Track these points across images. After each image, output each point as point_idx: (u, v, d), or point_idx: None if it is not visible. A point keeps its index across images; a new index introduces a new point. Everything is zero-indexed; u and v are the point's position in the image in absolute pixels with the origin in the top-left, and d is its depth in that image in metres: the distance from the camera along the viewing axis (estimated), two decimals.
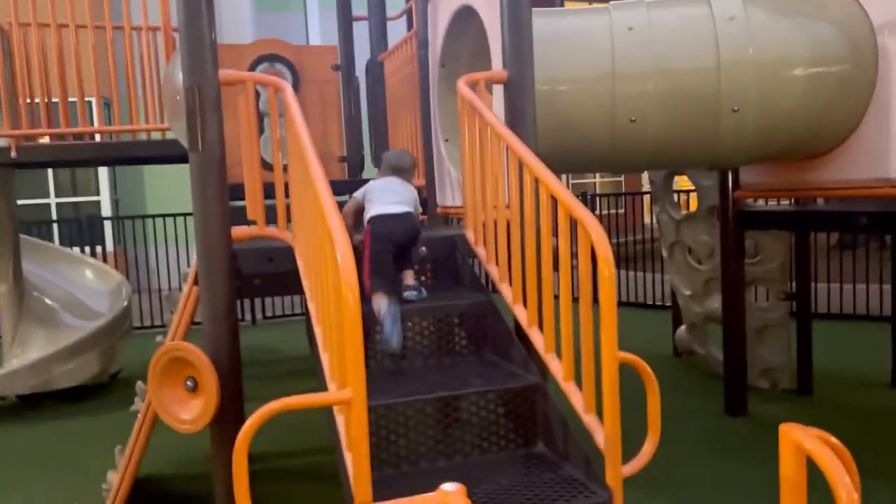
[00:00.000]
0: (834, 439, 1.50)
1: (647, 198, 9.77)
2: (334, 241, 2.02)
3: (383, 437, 2.43)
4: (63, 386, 5.74)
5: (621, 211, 10.76)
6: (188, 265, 5.19)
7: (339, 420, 2.19)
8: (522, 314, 2.69)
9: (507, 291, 2.85)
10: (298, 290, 3.01)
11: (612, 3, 3.88)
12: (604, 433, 2.17)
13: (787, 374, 5.23)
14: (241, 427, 1.91)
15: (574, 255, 2.42)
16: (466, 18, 4.08)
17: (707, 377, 5.67)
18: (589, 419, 2.27)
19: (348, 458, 2.06)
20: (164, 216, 8.94)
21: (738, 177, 4.57)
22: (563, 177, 24.25)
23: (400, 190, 3.17)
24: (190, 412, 2.86)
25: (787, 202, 5.70)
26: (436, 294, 3.15)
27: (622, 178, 24.09)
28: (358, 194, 3.25)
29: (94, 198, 12.82)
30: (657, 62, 3.66)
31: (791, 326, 5.20)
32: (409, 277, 3.08)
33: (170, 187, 11.30)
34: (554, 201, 2.44)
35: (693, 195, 6.33)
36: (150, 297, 9.13)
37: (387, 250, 2.88)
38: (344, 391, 1.93)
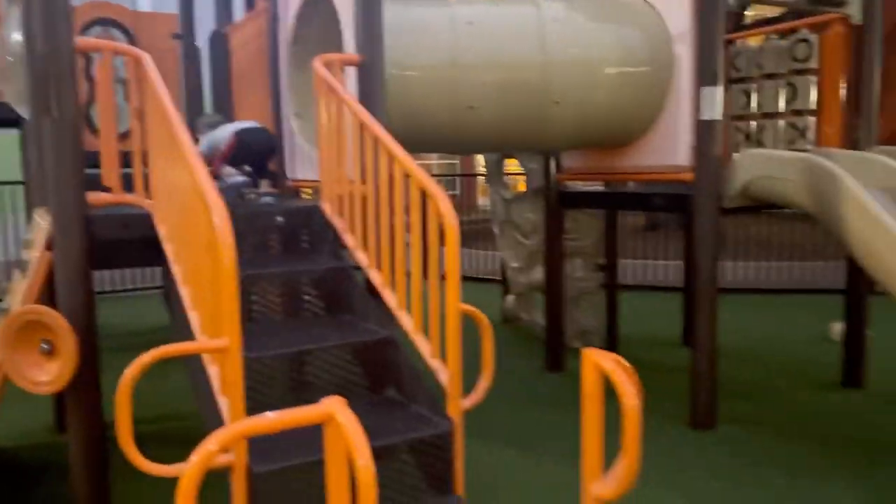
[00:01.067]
0: (624, 361, 1.96)
1: (480, 180, 10.42)
2: (209, 204, 2.21)
3: (250, 387, 2.65)
4: None
5: (457, 192, 11.34)
6: (11, 236, 4.93)
7: (213, 370, 2.39)
8: (377, 277, 3.01)
9: (362, 257, 3.15)
10: (154, 261, 3.12)
11: None
12: (447, 373, 2.55)
13: (598, 336, 5.96)
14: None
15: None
16: (317, 2, 4.28)
17: (531, 340, 6.31)
18: (434, 363, 2.64)
19: (223, 402, 2.27)
20: None
21: (560, 162, 5.15)
22: None
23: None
24: (47, 374, 2.90)
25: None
26: (294, 261, 3.38)
27: (458, 160, 25.03)
28: (202, 148, 4.02)
29: None
30: (493, 55, 4.09)
31: (603, 295, 5.94)
32: (265, 186, 4.05)
33: None
34: (407, 177, 2.77)
35: (522, 177, 6.94)
36: None
37: (247, 154, 3.97)
38: (221, 339, 2.15)
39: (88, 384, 3.05)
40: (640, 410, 1.85)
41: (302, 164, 4.50)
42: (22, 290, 3.15)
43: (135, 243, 3.33)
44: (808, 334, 6.32)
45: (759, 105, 5.06)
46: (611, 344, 5.93)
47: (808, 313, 7.08)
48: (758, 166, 3.94)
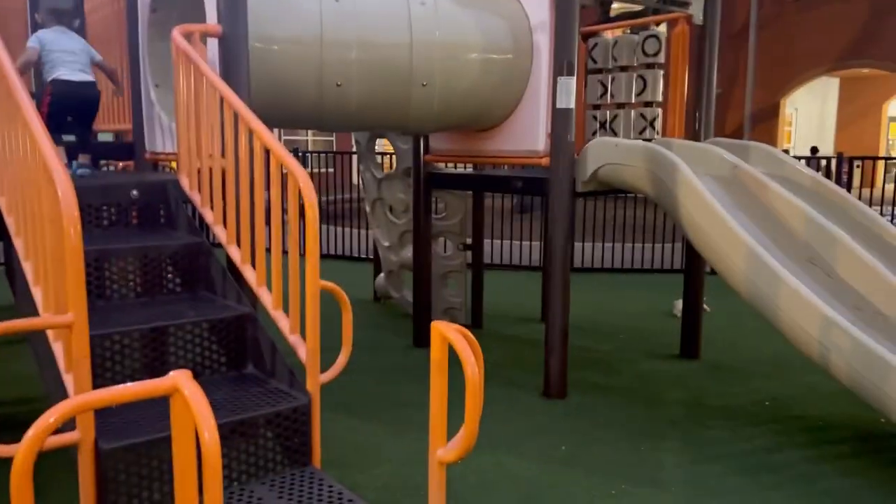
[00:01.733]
0: (467, 332, 2.09)
1: (356, 158, 10.40)
2: (53, 177, 2.13)
3: (99, 364, 2.58)
4: None
5: (332, 170, 11.23)
6: None
7: (57, 347, 2.32)
8: (236, 253, 3.00)
9: (221, 233, 3.12)
10: None
11: None
12: (306, 349, 2.60)
13: (463, 313, 6.17)
14: None
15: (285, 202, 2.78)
16: None
17: (401, 317, 6.43)
18: (294, 339, 2.68)
19: (69, 380, 2.22)
20: None
21: (428, 143, 5.27)
22: (276, 132, 24.10)
23: (75, 49, 3.85)
24: None
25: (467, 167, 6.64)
26: (149, 236, 3.29)
27: (333, 137, 24.69)
28: (32, 45, 3.89)
29: None
30: (360, 34, 4.12)
31: (469, 274, 6.15)
32: (83, 159, 3.99)
33: None
34: (267, 153, 2.77)
35: (393, 157, 7.02)
36: None
37: (65, 112, 3.78)
38: (65, 315, 2.09)
39: None
40: (481, 379, 1.99)
41: (162, 135, 4.35)
42: None
43: None
44: (654, 310, 6.84)
45: (613, 95, 5.39)
46: (476, 320, 6.16)
47: (656, 292, 7.65)
48: (606, 153, 4.22)
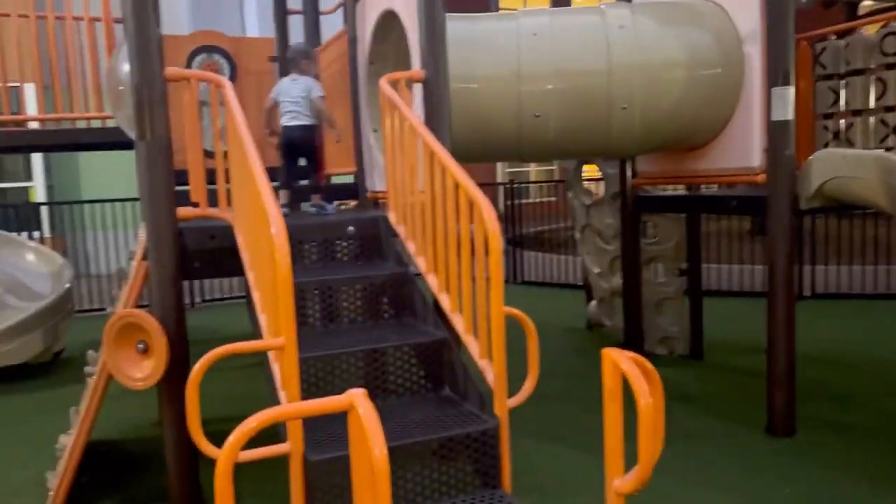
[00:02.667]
0: (643, 359, 2.02)
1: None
2: (269, 218, 2.44)
3: (313, 383, 2.87)
4: (8, 363, 5.96)
5: (553, 199, 11.33)
6: (124, 250, 5.39)
7: (275, 368, 2.62)
8: (434, 281, 3.17)
9: (422, 263, 3.32)
10: (236, 270, 3.42)
11: (518, 10, 4.37)
12: (493, 373, 2.67)
13: (681, 342, 5.87)
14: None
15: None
16: (391, 21, 4.51)
17: (614, 345, 6.27)
18: (482, 363, 2.76)
19: (283, 396, 2.50)
20: (100, 201, 9.07)
21: (635, 166, 5.14)
22: (499, 165, 24.88)
23: (297, 95, 4.40)
24: (142, 371, 3.24)
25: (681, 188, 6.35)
26: (364, 266, 3.60)
27: (556, 167, 24.89)
28: (271, 95, 4.51)
29: (26, 184, 12.72)
30: (557, 64, 4.18)
31: (686, 300, 5.85)
32: (315, 199, 4.55)
33: (105, 174, 11.37)
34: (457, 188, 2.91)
35: (601, 182, 6.93)
36: (88, 282, 9.27)
37: (292, 155, 4.43)
38: (278, 339, 2.37)
39: (180, 381, 3.37)
40: (658, 409, 1.91)
41: (380, 176, 4.74)
42: (122, 296, 3.53)
43: (220, 252, 3.65)
44: None
45: (847, 102, 4.87)
46: (694, 350, 5.82)
47: None
48: (833, 166, 3.82)
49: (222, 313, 9.00)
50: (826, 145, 5.00)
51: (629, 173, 5.24)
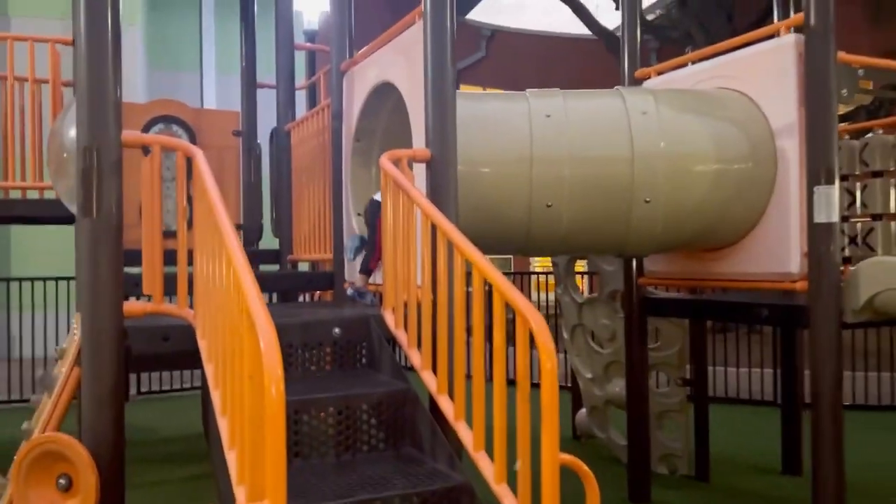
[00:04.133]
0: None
1: (535, 278, 10.01)
2: (255, 323, 1.80)
3: None
4: None
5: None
6: (57, 333, 4.60)
7: None
8: (448, 406, 2.53)
9: (430, 380, 2.68)
10: (190, 364, 2.74)
11: (529, 90, 3.94)
12: None
13: (685, 460, 5.28)
14: None
15: (511, 343, 2.30)
16: (383, 95, 4.03)
17: (608, 461, 5.63)
18: None
19: None
20: (31, 280, 8.15)
21: (642, 264, 4.67)
22: None
23: None
24: None
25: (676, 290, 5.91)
26: (349, 381, 2.94)
27: (510, 258, 24.66)
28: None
29: None
30: (573, 149, 3.72)
31: (688, 412, 5.29)
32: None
33: (40, 250, 10.42)
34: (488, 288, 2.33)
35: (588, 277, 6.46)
36: (9, 368, 8.22)
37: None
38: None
39: None
40: None
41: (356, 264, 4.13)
42: (45, 411, 2.77)
43: (174, 356, 2.96)
44: None
45: (865, 205, 4.53)
46: (699, 470, 5.22)
47: None
48: (885, 277, 3.39)
49: (160, 407, 8.04)
50: (843, 250, 4.62)
51: (634, 271, 4.74)
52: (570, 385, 6.62)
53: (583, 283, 8.26)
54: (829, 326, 3.51)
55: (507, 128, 3.78)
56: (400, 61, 3.65)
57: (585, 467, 2.09)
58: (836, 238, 3.54)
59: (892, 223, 4.41)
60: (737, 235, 3.98)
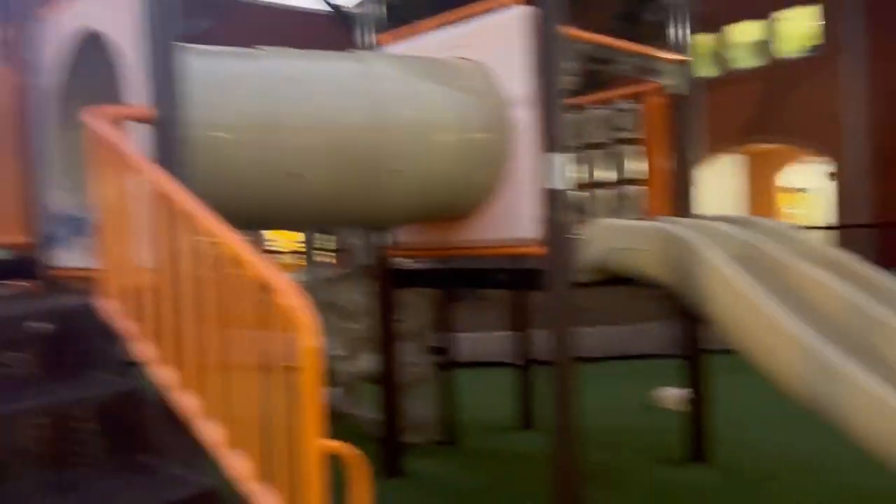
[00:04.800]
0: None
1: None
2: None
3: None
4: None
5: None
6: None
7: None
8: (191, 403, 2.19)
9: (167, 376, 2.31)
10: None
11: (268, 48, 3.62)
12: None
13: (435, 427, 5.38)
14: None
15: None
16: (89, 46, 3.43)
17: (361, 440, 5.53)
18: None
19: None
20: None
21: (390, 236, 4.61)
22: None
23: None
24: None
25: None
26: (59, 386, 2.44)
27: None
28: None
29: None
30: (318, 116, 3.50)
31: (436, 381, 5.40)
32: None
33: None
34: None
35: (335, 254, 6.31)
36: None
37: None
38: None
39: None
40: None
41: (68, 247, 3.52)
42: None
43: None
44: (639, 403, 6.24)
45: (588, 175, 4.94)
46: (448, 435, 5.36)
47: (639, 380, 7.07)
48: (613, 238, 3.67)
49: None
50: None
51: (381, 243, 4.67)
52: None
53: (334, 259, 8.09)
54: (563, 287, 3.72)
55: (248, 90, 3.43)
56: (112, 5, 3.11)
57: (357, 453, 1.91)
58: (566, 203, 3.76)
59: (610, 191, 4.86)
60: (479, 204, 4.06)
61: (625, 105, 4.81)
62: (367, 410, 5.58)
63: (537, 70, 3.75)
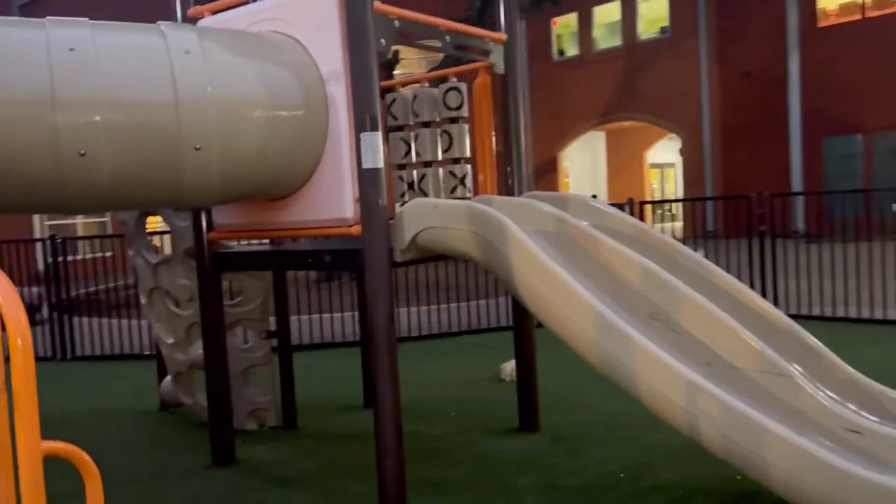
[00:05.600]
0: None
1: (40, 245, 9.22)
2: None
3: None
4: None
5: (109, 254, 9.84)
6: None
7: None
8: None
9: None
10: None
11: (49, 18, 3.33)
12: None
13: (273, 413, 5.28)
14: None
15: None
16: None
17: (196, 429, 5.37)
18: None
19: None
20: None
21: (211, 218, 4.43)
22: (37, 218, 21.34)
23: None
24: None
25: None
26: None
27: (108, 218, 22.42)
28: None
29: None
30: (107, 91, 3.26)
31: (275, 363, 5.29)
32: None
33: None
34: None
35: (168, 237, 6.01)
36: None
37: None
38: None
39: None
40: None
41: None
42: None
43: None
44: (483, 375, 6.39)
45: (419, 153, 4.92)
46: (288, 420, 5.28)
47: (481, 354, 7.25)
48: (425, 217, 3.68)
49: None
50: (403, 196, 4.99)
51: (204, 226, 4.48)
52: (155, 353, 6.16)
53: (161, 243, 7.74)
54: (380, 266, 3.71)
55: (20, 62, 3.15)
56: None
57: (82, 454, 1.78)
58: (383, 182, 3.72)
59: (440, 169, 4.87)
60: (298, 184, 3.96)
61: (455, 83, 4.81)
62: (203, 399, 5.39)
63: (351, 46, 3.68)
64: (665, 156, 28.27)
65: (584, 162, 27.45)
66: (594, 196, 16.86)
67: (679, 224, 18.64)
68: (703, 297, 3.55)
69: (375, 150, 3.67)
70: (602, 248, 3.76)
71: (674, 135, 23.17)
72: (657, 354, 3.04)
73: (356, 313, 7.58)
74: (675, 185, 28.53)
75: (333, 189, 3.86)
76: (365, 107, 3.66)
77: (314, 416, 5.47)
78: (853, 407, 3.44)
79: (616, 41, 23.61)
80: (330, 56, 3.81)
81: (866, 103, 18.16)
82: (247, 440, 5.01)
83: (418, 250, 3.79)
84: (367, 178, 3.68)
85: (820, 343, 3.60)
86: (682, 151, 22.58)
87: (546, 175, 25.78)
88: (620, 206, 9.18)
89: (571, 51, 25.35)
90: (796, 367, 3.57)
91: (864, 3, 18.93)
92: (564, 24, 25.23)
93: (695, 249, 9.53)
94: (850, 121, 18.53)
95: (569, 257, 3.79)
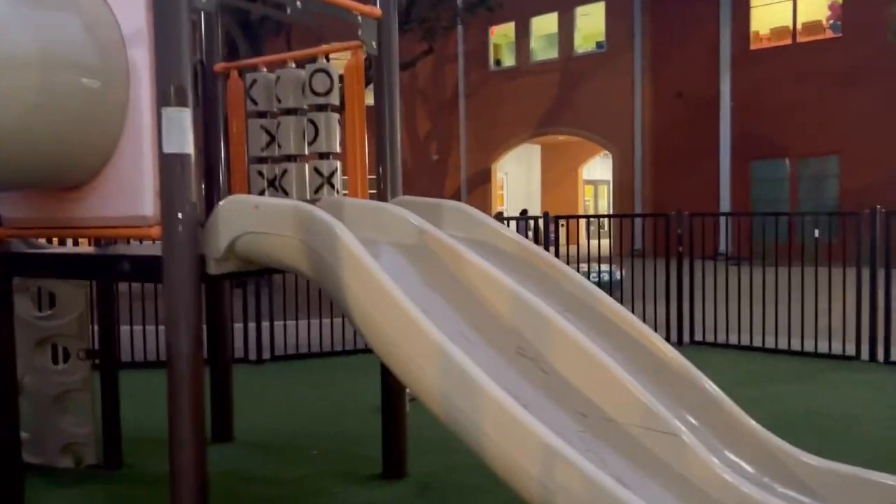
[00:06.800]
0: None
1: None
2: None
3: None
4: None
5: None
6: None
7: None
8: None
9: None
10: None
11: None
12: None
13: (92, 448, 4.38)
14: None
15: None
16: None
17: None
18: None
19: None
20: None
21: None
22: None
23: None
24: None
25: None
26: None
27: None
28: None
29: None
30: None
31: (94, 390, 4.39)
32: None
33: None
34: None
35: None
36: None
37: None
38: None
39: None
40: None
41: None
42: None
43: None
44: (358, 403, 5.61)
45: (281, 145, 4.15)
46: (110, 456, 4.38)
47: (376, 375, 6.47)
48: (243, 219, 2.91)
49: None
50: (263, 194, 4.21)
51: None
52: None
53: None
54: (184, 278, 2.91)
55: None
56: None
57: None
58: (192, 172, 2.94)
59: (307, 164, 4.12)
60: (92, 170, 3.14)
61: (324, 65, 4.05)
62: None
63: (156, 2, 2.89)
64: (600, 172, 28.17)
65: (518, 175, 27.06)
66: (524, 210, 16.49)
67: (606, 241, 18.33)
68: (582, 332, 2.89)
69: (182, 131, 2.88)
70: (466, 267, 3.06)
71: (608, 152, 22.96)
72: (509, 408, 2.34)
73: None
74: (608, 202, 28.42)
75: (132, 179, 3.05)
76: (171, 75, 2.87)
77: (145, 451, 4.57)
78: (752, 470, 2.83)
79: (553, 53, 23.31)
80: (133, 13, 3.01)
81: (795, 128, 18.20)
82: (52, 483, 4.11)
83: (238, 261, 3.01)
84: (169, 166, 2.89)
85: (718, 390, 2.98)
86: (613, 169, 22.38)
87: (479, 186, 25.27)
88: (546, 219, 8.59)
89: (508, 61, 24.97)
90: (690, 418, 2.95)
91: (795, 28, 19.05)
92: (502, 34, 24.84)
93: (620, 268, 9.14)
94: (779, 144, 18.56)
95: (427, 277, 3.08)
